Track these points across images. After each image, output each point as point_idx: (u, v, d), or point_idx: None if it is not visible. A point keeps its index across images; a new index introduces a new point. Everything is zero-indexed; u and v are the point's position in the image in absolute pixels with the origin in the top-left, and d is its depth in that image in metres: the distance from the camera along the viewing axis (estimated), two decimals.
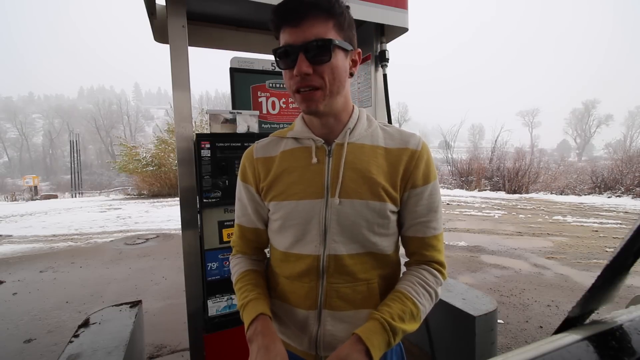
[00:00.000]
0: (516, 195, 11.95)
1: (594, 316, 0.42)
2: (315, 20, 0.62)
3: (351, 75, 0.70)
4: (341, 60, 0.65)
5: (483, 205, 9.44)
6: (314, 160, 0.70)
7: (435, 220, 0.71)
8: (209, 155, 1.30)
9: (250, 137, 1.39)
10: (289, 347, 0.75)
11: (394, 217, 0.71)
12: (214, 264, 1.34)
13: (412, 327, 0.65)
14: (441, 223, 0.73)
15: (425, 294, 0.68)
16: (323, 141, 0.71)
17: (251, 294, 0.72)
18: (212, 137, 1.31)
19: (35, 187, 19.93)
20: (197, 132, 1.33)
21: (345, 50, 0.66)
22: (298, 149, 0.73)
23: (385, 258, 0.72)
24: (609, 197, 10.43)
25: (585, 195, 11.27)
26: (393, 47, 1.55)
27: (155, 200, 14.21)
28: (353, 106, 0.75)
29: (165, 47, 1.33)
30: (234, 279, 0.79)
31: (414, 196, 0.70)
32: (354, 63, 0.70)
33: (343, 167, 0.68)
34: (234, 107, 1.65)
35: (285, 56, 0.64)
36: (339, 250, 0.68)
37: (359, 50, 0.71)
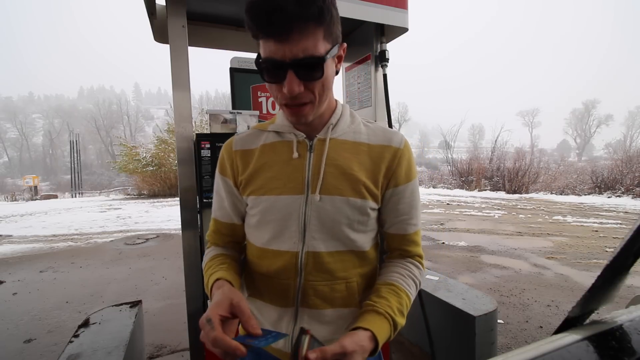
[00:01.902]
0: (516, 195, 11.95)
1: (594, 316, 0.43)
2: (303, 32, 0.55)
3: (336, 72, 0.66)
4: (331, 68, 0.62)
5: (483, 205, 9.44)
6: (295, 155, 0.68)
7: (415, 217, 0.72)
8: (209, 155, 1.30)
9: None
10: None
11: (373, 214, 0.70)
12: None
13: (405, 320, 0.67)
14: (420, 218, 0.75)
15: (414, 286, 0.70)
16: (305, 136, 0.69)
17: (215, 272, 0.69)
18: (212, 137, 1.31)
19: (35, 187, 19.94)
20: (197, 132, 1.33)
21: (333, 55, 0.61)
22: (279, 143, 0.71)
23: (364, 255, 0.71)
24: (609, 197, 10.43)
25: (585, 195, 11.27)
26: (393, 47, 1.55)
27: (155, 200, 14.21)
28: (336, 101, 0.73)
29: (165, 47, 1.33)
30: (203, 265, 0.77)
31: (396, 194, 0.70)
32: (339, 59, 0.65)
33: (324, 163, 0.67)
34: (234, 107, 1.65)
35: (272, 70, 0.59)
36: (318, 247, 0.67)
37: (345, 44, 0.66)
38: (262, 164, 0.70)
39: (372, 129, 0.72)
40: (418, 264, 0.73)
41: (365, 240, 0.71)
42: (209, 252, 0.78)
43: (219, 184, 0.77)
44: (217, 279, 0.66)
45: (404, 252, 0.73)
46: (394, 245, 0.74)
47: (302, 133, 0.69)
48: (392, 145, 0.69)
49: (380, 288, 0.68)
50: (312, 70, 0.58)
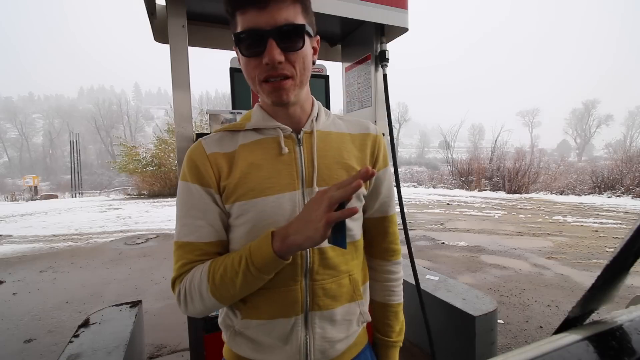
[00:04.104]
0: (516, 195, 11.95)
1: (594, 316, 0.42)
2: (283, 2, 0.57)
3: (313, 63, 0.66)
4: (308, 48, 0.62)
5: (483, 205, 9.44)
6: (285, 150, 0.65)
7: (393, 199, 0.80)
8: None
9: None
10: None
11: (363, 201, 0.73)
12: None
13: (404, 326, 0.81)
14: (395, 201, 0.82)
15: (401, 285, 0.81)
16: (291, 130, 0.67)
17: (238, 256, 0.59)
18: None
19: (35, 187, 19.95)
20: (197, 132, 1.33)
21: (310, 37, 0.62)
22: (261, 141, 0.66)
23: (357, 244, 0.73)
24: (609, 197, 10.43)
25: (585, 195, 11.27)
26: (393, 49, 1.55)
27: (155, 200, 14.22)
28: (312, 96, 0.73)
29: (165, 47, 1.33)
30: (205, 286, 0.59)
31: (379, 178, 0.74)
32: (314, 50, 0.66)
33: (316, 154, 0.66)
34: (234, 107, 1.65)
35: (251, 42, 0.58)
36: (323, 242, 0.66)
37: (318, 37, 0.68)
38: (248, 165, 0.64)
39: (348, 121, 0.75)
40: (400, 260, 0.82)
41: (357, 228, 0.73)
42: (196, 270, 0.62)
43: (195, 197, 0.64)
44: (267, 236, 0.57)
45: (387, 252, 0.79)
46: (374, 231, 0.78)
47: (288, 127, 0.67)
48: (370, 132, 0.74)
49: (386, 313, 0.79)
50: (293, 39, 0.58)
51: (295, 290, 0.65)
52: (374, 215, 0.77)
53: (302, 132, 0.68)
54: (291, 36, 0.58)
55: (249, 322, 0.65)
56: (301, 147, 0.67)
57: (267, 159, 0.65)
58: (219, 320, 0.73)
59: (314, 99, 0.73)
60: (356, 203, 0.69)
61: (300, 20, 0.58)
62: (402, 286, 0.82)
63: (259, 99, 0.69)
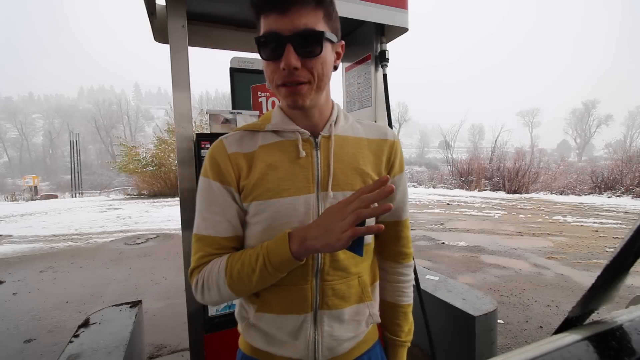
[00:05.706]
0: (516, 195, 11.96)
1: (594, 316, 0.42)
2: (304, 8, 0.57)
3: (335, 68, 0.67)
4: (329, 54, 0.62)
5: (483, 205, 9.45)
6: (303, 153, 0.66)
7: (407, 203, 0.81)
8: None
9: None
10: (281, 358, 0.69)
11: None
12: None
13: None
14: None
15: (411, 287, 0.82)
16: (309, 133, 0.68)
17: (255, 254, 0.61)
18: (212, 137, 1.31)
19: (35, 187, 19.94)
20: (197, 132, 1.33)
21: (332, 43, 0.63)
22: (280, 143, 0.68)
23: (369, 247, 0.74)
24: (609, 197, 10.43)
25: (585, 195, 11.28)
26: (394, 47, 1.55)
27: (155, 200, 14.21)
28: (332, 100, 0.74)
29: (165, 47, 1.33)
30: (222, 279, 0.63)
31: (394, 184, 0.74)
32: (337, 55, 0.67)
33: (332, 159, 0.67)
34: (234, 107, 1.65)
35: (270, 45, 0.59)
36: None
37: (343, 42, 0.68)
38: (267, 166, 0.66)
39: (366, 125, 0.76)
40: (411, 263, 0.82)
41: None
42: (214, 263, 0.65)
43: (215, 195, 0.67)
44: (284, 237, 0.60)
45: (399, 256, 0.80)
46: (388, 236, 0.79)
47: (307, 131, 0.68)
48: (387, 138, 0.75)
49: (396, 313, 0.80)
50: (311, 45, 0.59)
51: (306, 289, 0.67)
52: (387, 219, 0.77)
53: (320, 137, 0.69)
54: (309, 42, 0.58)
55: (262, 316, 0.69)
56: (318, 151, 0.68)
57: (284, 161, 0.67)
58: (235, 311, 0.76)
59: (334, 102, 0.74)
60: None
61: (320, 26, 0.59)
62: (412, 288, 0.82)
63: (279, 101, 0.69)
